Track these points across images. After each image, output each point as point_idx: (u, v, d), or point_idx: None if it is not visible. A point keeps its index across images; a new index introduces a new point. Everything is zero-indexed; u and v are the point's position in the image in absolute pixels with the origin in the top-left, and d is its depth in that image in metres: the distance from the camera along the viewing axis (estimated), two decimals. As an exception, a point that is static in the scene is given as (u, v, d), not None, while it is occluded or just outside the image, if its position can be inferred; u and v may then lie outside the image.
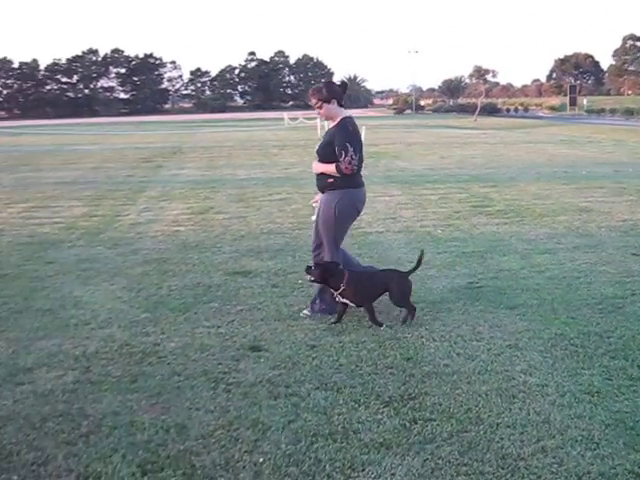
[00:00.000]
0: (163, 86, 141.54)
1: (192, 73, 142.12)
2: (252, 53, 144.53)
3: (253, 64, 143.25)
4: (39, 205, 14.45)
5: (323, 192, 6.71)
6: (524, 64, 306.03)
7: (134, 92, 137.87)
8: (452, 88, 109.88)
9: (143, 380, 5.18)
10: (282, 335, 6.11)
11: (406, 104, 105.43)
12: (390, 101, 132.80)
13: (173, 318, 6.64)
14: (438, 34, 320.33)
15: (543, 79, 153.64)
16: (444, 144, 31.43)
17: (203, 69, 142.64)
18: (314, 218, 6.97)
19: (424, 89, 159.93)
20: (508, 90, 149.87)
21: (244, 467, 3.96)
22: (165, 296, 7.41)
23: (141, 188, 17.09)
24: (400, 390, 4.90)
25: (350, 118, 6.66)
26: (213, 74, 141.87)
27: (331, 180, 6.54)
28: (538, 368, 5.25)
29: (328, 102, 6.57)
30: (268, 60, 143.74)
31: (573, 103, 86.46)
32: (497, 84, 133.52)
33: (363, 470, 3.90)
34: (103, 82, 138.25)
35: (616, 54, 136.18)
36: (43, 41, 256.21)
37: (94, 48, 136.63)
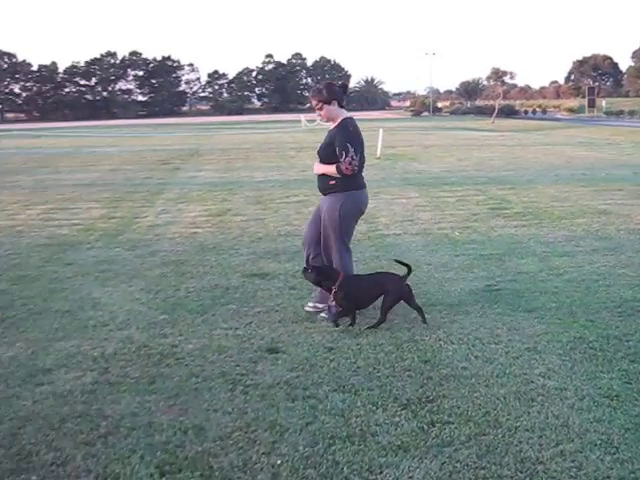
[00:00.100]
0: (181, 88, 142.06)
1: (210, 75, 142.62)
2: (269, 55, 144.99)
3: (270, 66, 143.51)
4: (58, 207, 14.53)
5: (325, 194, 6.71)
6: (542, 66, 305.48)
7: (152, 94, 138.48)
8: (470, 90, 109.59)
9: (161, 381, 5.20)
10: (300, 337, 6.11)
11: (423, 106, 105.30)
12: (407, 103, 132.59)
13: (191, 320, 6.66)
14: (456, 36, 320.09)
15: (561, 81, 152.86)
16: (461, 146, 31.36)
17: (220, 71, 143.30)
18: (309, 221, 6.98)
19: (441, 91, 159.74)
20: (526, 92, 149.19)
21: (262, 469, 3.96)
22: (183, 298, 7.43)
23: (159, 190, 17.16)
24: (418, 393, 4.89)
25: (351, 119, 6.66)
26: (230, 76, 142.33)
27: (333, 182, 6.54)
28: (557, 371, 5.22)
29: (328, 103, 6.57)
30: (285, 62, 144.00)
31: (592, 105, 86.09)
32: (515, 86, 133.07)
33: (381, 473, 3.89)
34: (121, 85, 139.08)
35: (635, 55, 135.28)
36: (62, 44, 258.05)
37: (112, 51, 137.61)
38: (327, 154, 6.56)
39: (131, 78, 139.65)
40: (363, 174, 6.74)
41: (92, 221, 12.57)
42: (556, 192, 15.03)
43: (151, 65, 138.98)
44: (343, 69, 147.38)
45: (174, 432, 4.40)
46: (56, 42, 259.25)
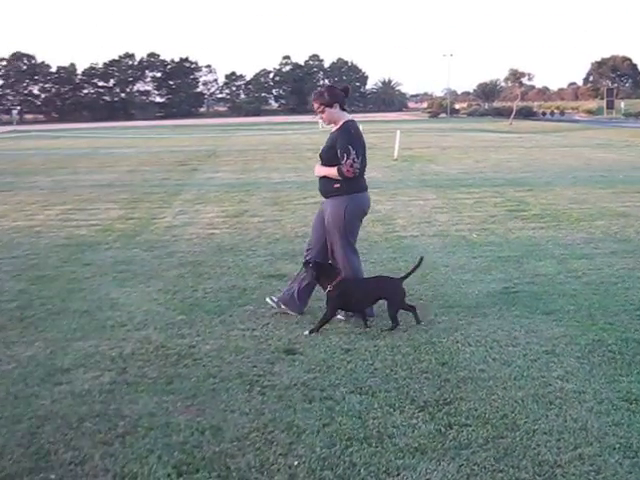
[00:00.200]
0: (198, 90, 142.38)
1: (227, 77, 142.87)
2: (287, 57, 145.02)
3: (288, 68, 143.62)
4: (76, 207, 14.62)
5: (327, 197, 6.69)
6: (560, 67, 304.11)
7: (170, 96, 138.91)
8: (487, 91, 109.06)
9: (179, 382, 5.21)
10: (317, 338, 6.12)
11: (441, 108, 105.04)
12: (425, 104, 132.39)
13: (208, 320, 6.68)
14: (473, 37, 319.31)
15: (580, 82, 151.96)
16: (479, 148, 31.27)
17: (238, 73, 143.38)
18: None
19: (459, 92, 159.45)
20: (544, 93, 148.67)
21: (279, 470, 3.96)
22: (200, 298, 7.45)
23: (177, 191, 17.22)
24: (435, 395, 4.88)
25: (352, 122, 6.65)
26: (248, 78, 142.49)
27: (337, 185, 6.52)
28: (575, 374, 5.19)
29: (330, 106, 6.57)
30: (303, 64, 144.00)
31: (610, 106, 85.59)
32: (533, 87, 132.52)
33: (398, 475, 3.88)
34: (139, 86, 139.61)
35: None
36: (80, 46, 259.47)
37: (130, 52, 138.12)
38: (329, 157, 6.56)
39: (149, 79, 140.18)
40: (365, 177, 6.73)
41: (110, 222, 12.63)
42: (574, 194, 14.96)
43: (169, 66, 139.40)
44: (360, 70, 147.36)
45: (191, 432, 4.41)
46: (75, 44, 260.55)
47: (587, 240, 10.03)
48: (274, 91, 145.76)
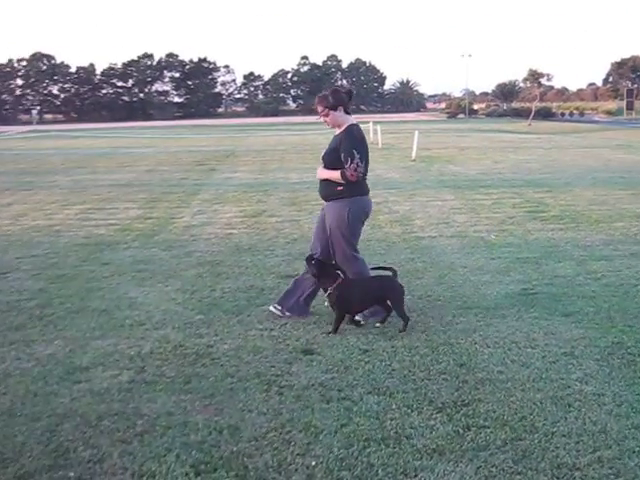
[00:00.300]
0: (217, 90, 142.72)
1: (245, 77, 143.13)
2: (305, 57, 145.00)
3: (306, 68, 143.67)
4: (95, 207, 14.70)
5: (328, 200, 6.67)
6: (580, 67, 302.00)
7: (188, 96, 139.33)
8: (506, 92, 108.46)
9: (197, 381, 5.23)
10: (334, 339, 6.12)
11: (459, 108, 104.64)
12: (443, 105, 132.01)
13: (226, 320, 6.69)
14: (492, 37, 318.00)
15: (599, 83, 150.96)
16: (497, 148, 31.15)
17: (256, 73, 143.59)
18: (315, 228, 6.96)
19: (477, 93, 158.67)
20: (563, 94, 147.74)
21: (296, 470, 3.97)
22: (218, 298, 7.47)
23: (195, 191, 17.27)
24: (453, 396, 4.86)
25: (356, 125, 6.63)
26: (266, 78, 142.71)
27: (340, 188, 6.48)
28: (594, 377, 5.16)
29: (334, 109, 6.54)
30: (321, 64, 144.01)
31: (630, 107, 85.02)
32: (552, 88, 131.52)
33: (416, 476, 3.87)
34: (158, 86, 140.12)
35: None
36: (100, 46, 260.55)
37: (149, 53, 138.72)
38: (332, 159, 6.53)
39: (167, 80, 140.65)
40: (369, 180, 6.72)
41: (129, 221, 12.69)
42: (594, 195, 14.88)
43: (187, 67, 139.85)
44: (378, 71, 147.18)
45: (209, 432, 4.42)
46: (94, 44, 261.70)
47: (606, 242, 9.97)
48: (292, 91, 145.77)
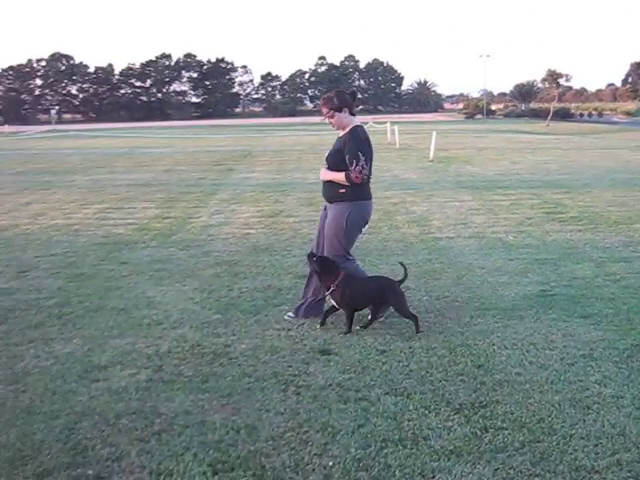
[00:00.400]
0: (234, 90, 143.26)
1: (263, 77, 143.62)
2: (322, 57, 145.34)
3: (323, 68, 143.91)
4: (113, 206, 14.77)
5: (330, 202, 6.63)
6: (598, 68, 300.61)
7: (206, 96, 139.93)
8: (524, 92, 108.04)
9: (214, 380, 5.24)
10: (352, 339, 6.11)
11: (477, 109, 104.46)
12: (461, 105, 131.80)
13: (244, 320, 6.70)
14: (510, 37, 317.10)
15: (618, 83, 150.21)
16: (515, 149, 31.02)
17: (274, 73, 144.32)
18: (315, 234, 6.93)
19: (495, 93, 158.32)
20: (582, 95, 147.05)
21: (314, 470, 3.97)
22: (236, 298, 7.48)
23: (212, 191, 17.31)
24: (471, 398, 4.85)
25: (361, 127, 6.60)
26: (283, 78, 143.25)
27: (343, 190, 6.45)
28: (613, 379, 5.13)
29: (339, 111, 6.51)
30: (338, 64, 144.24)
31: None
32: (570, 88, 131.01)
33: (433, 477, 3.86)
34: (176, 86, 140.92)
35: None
36: (118, 46, 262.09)
37: (167, 53, 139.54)
38: (336, 161, 6.50)
39: (185, 80, 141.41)
40: (370, 184, 6.67)
41: (147, 221, 12.74)
42: (613, 196, 14.78)
43: (205, 67, 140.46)
44: (396, 71, 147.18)
45: (227, 431, 4.43)
46: (112, 44, 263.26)
47: (626, 243, 9.90)
48: (309, 91, 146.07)
